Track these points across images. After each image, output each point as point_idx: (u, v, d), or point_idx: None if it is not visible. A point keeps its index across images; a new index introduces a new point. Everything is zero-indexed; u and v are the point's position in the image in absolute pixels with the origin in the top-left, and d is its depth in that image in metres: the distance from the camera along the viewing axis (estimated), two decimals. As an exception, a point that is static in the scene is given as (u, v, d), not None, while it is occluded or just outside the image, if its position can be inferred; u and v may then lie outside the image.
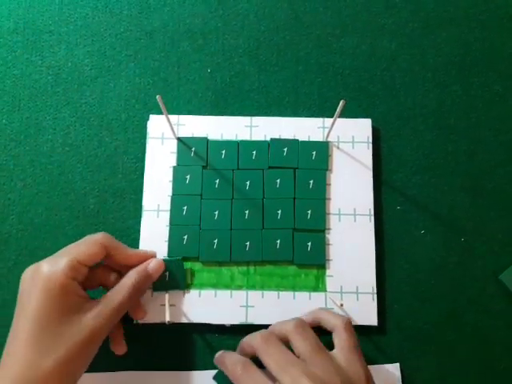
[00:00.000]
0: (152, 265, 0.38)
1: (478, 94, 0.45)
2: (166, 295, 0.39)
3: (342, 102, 0.35)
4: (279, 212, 0.41)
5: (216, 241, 0.41)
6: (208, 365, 0.39)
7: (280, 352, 0.33)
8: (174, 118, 0.43)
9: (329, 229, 0.41)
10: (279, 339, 0.34)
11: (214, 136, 0.43)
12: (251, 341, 0.35)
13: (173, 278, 0.40)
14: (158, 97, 0.35)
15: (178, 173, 0.42)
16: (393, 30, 0.46)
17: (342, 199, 0.42)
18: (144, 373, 0.39)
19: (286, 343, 0.34)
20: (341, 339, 0.35)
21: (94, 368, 0.39)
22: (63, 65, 0.45)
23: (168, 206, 0.42)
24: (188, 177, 0.42)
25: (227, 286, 0.40)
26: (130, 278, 0.36)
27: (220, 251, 0.41)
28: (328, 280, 0.40)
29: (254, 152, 0.43)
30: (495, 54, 0.46)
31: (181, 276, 0.40)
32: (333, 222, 0.41)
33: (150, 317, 0.39)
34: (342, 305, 0.39)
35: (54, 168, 0.43)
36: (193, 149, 0.43)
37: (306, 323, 0.35)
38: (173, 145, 0.43)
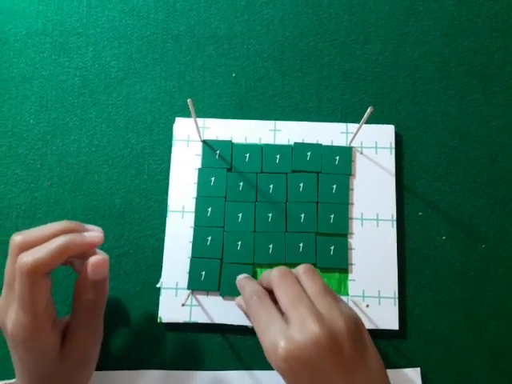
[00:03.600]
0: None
1: (500, 102, 0.45)
2: (189, 293, 0.40)
3: (369, 109, 0.35)
4: (302, 216, 0.42)
5: (239, 243, 0.41)
6: (229, 365, 0.40)
7: (293, 289, 0.33)
8: (199, 121, 0.44)
9: (351, 233, 0.42)
10: (295, 276, 0.34)
11: (238, 139, 0.44)
12: (269, 275, 0.35)
13: (208, 277, 0.40)
14: (189, 100, 0.35)
15: (203, 175, 0.43)
16: (416, 38, 0.47)
17: (364, 204, 0.42)
18: (167, 372, 0.39)
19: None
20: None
21: (116, 366, 0.40)
22: (90, 66, 0.46)
23: (193, 208, 0.42)
24: (212, 179, 0.42)
25: (250, 288, 0.41)
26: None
27: (243, 253, 0.41)
28: (350, 284, 0.41)
29: (278, 156, 0.43)
30: (517, 63, 0.46)
31: (216, 277, 0.40)
32: (355, 226, 0.42)
33: (173, 316, 0.40)
34: (367, 306, 0.39)
35: (80, 168, 0.44)
36: (217, 151, 0.43)
37: (314, 268, 0.35)
38: (198, 147, 0.43)
